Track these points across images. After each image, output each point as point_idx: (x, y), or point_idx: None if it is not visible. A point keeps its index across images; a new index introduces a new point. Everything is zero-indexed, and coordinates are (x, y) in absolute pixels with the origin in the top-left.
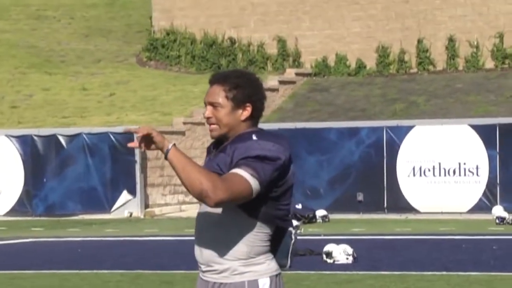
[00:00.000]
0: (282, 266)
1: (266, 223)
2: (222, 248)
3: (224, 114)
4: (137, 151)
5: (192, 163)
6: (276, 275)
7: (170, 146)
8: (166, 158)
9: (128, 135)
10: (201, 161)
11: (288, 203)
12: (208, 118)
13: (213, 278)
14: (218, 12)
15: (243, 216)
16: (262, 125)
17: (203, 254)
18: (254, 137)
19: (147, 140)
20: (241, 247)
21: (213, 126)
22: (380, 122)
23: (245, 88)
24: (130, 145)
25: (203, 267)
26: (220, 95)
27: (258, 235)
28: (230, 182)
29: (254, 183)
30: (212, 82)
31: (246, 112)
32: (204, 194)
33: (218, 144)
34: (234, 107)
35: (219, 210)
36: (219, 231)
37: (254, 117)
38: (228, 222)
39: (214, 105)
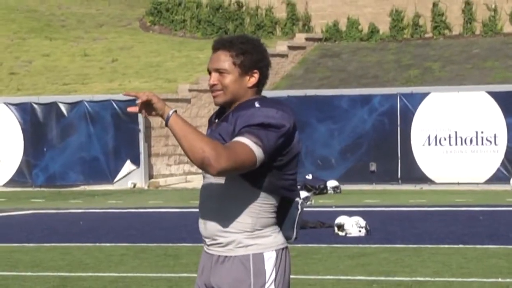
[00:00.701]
0: (287, 238)
1: (272, 194)
2: (226, 220)
3: (231, 81)
4: (140, 120)
5: (194, 130)
6: (283, 249)
7: (170, 113)
8: (166, 125)
9: (130, 102)
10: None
11: (295, 172)
12: (213, 85)
13: (217, 252)
14: None
15: (247, 186)
16: (270, 92)
17: (207, 227)
18: (257, 105)
19: (148, 106)
20: (246, 219)
21: (218, 93)
22: (394, 89)
23: (252, 54)
24: (130, 109)
25: (208, 241)
26: (226, 61)
27: (263, 206)
28: (233, 150)
29: (258, 151)
30: (217, 47)
31: (253, 79)
32: (206, 162)
33: (220, 114)
34: (242, 73)
35: (222, 181)
36: (223, 203)
37: (260, 84)
38: (232, 193)
39: (220, 71)
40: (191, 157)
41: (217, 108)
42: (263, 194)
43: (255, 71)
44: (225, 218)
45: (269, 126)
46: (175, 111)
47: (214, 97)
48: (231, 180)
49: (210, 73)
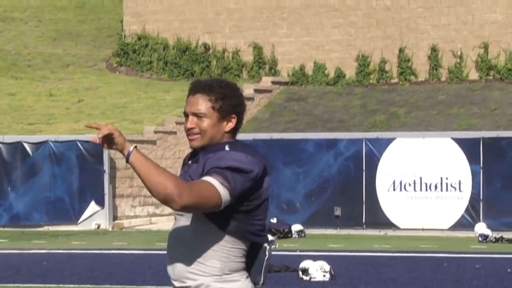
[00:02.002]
0: (255, 283)
1: (240, 239)
2: (195, 264)
3: (209, 125)
4: (105, 160)
5: (156, 166)
6: None
7: (131, 149)
8: (127, 161)
9: (96, 144)
10: (172, 172)
11: (263, 217)
12: (190, 129)
13: None
14: (192, 16)
15: (215, 230)
16: (237, 135)
17: (175, 269)
18: (227, 148)
19: (109, 140)
20: (214, 263)
21: (195, 136)
22: (360, 134)
23: (231, 99)
24: (91, 139)
25: (176, 283)
26: (205, 105)
27: (232, 250)
28: (198, 187)
29: (223, 192)
30: (195, 91)
31: (230, 124)
32: (169, 198)
33: (194, 156)
34: (220, 118)
35: (192, 225)
36: (192, 246)
37: (236, 129)
38: (201, 237)
39: (198, 115)
40: (154, 193)
41: (190, 150)
42: (230, 239)
43: (233, 115)
44: (194, 261)
45: (237, 170)
46: (135, 147)
47: (190, 140)
48: (200, 224)
49: (187, 116)
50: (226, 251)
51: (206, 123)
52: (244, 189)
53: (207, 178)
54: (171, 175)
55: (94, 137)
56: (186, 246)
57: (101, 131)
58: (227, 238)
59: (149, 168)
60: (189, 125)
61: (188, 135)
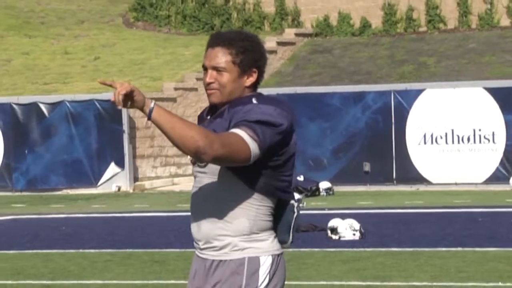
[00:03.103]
0: (283, 242)
1: (268, 195)
2: (223, 223)
3: (229, 80)
4: (125, 120)
5: (181, 120)
6: (278, 255)
7: (152, 105)
8: (149, 118)
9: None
10: None
11: (291, 173)
12: (210, 83)
13: (211, 256)
14: None
15: (243, 188)
16: (260, 90)
17: (201, 229)
18: (254, 101)
19: (127, 98)
20: (243, 222)
21: (214, 91)
22: (388, 86)
23: (252, 52)
24: (113, 99)
25: (201, 244)
26: (225, 59)
27: (261, 208)
28: (228, 139)
29: (253, 146)
30: (215, 44)
31: (251, 78)
32: (201, 150)
33: (212, 111)
34: (241, 72)
35: (218, 183)
36: (219, 205)
37: (257, 83)
38: (228, 195)
39: (218, 69)
40: (183, 147)
41: (207, 105)
42: (259, 196)
43: (254, 70)
44: (222, 221)
45: (266, 123)
46: (155, 103)
47: (209, 95)
48: (227, 181)
49: (205, 69)
50: (254, 209)
51: (226, 77)
52: (273, 143)
53: (236, 130)
54: (199, 127)
55: (113, 99)
56: (213, 205)
57: (119, 89)
58: (255, 195)
59: (175, 123)
60: (208, 79)
61: (207, 89)
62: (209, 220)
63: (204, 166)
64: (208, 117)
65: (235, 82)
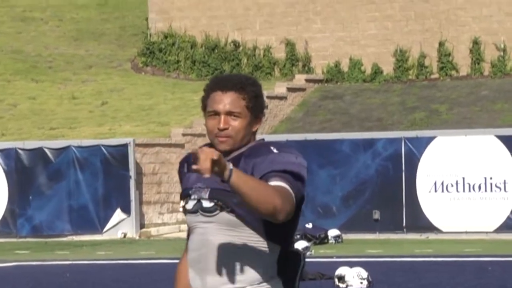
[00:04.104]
0: None
1: (277, 243)
2: (234, 274)
3: (243, 126)
4: (131, 166)
5: (254, 178)
6: None
7: (231, 166)
8: (227, 180)
9: (121, 147)
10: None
11: (298, 221)
12: (224, 130)
13: None
14: (220, 13)
15: (256, 237)
16: (269, 137)
17: (207, 282)
18: (274, 150)
19: (214, 164)
20: (255, 271)
21: (226, 138)
22: (398, 133)
23: (261, 97)
24: (197, 167)
25: None
26: (239, 104)
27: (272, 256)
28: (285, 193)
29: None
30: (225, 88)
31: (259, 124)
32: (278, 209)
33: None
34: (252, 118)
35: (227, 233)
36: (230, 256)
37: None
38: (240, 245)
39: (234, 114)
40: (262, 208)
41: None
42: (272, 245)
43: (261, 115)
44: (233, 271)
45: (293, 174)
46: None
47: (220, 142)
48: (238, 229)
49: (215, 114)
50: (267, 257)
51: (240, 123)
52: (302, 192)
53: (279, 183)
54: (268, 185)
55: (198, 167)
56: (222, 256)
57: (206, 156)
58: (267, 244)
59: (253, 183)
60: (222, 125)
61: (217, 136)
62: (219, 271)
63: (213, 216)
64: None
65: (247, 128)
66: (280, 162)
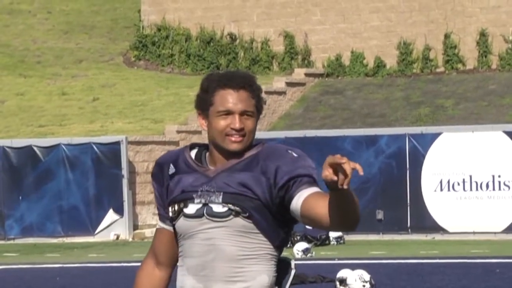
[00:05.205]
0: None
1: (280, 249)
2: (243, 281)
3: (254, 125)
4: (124, 164)
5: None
6: None
7: None
8: (338, 189)
9: (113, 145)
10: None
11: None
12: (241, 130)
13: None
14: (216, 4)
15: (265, 243)
16: (267, 133)
17: None
18: (293, 153)
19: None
20: (264, 278)
21: (241, 138)
22: (402, 129)
23: (262, 96)
24: (342, 182)
25: None
26: (252, 103)
27: (275, 263)
28: None
29: None
30: (237, 86)
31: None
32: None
33: (197, 159)
34: (258, 117)
35: (236, 239)
36: (241, 260)
37: None
38: (250, 252)
39: (247, 114)
40: (356, 220)
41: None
42: (275, 251)
43: (260, 114)
44: (242, 278)
45: (312, 177)
46: None
47: (233, 142)
48: (249, 235)
49: (227, 114)
50: (273, 263)
51: (252, 123)
52: None
53: (316, 190)
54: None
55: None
56: (230, 263)
57: (350, 167)
58: (273, 250)
59: (353, 193)
60: (238, 126)
61: (230, 135)
62: (226, 279)
63: (225, 221)
64: (201, 166)
65: (255, 127)
66: (303, 166)
